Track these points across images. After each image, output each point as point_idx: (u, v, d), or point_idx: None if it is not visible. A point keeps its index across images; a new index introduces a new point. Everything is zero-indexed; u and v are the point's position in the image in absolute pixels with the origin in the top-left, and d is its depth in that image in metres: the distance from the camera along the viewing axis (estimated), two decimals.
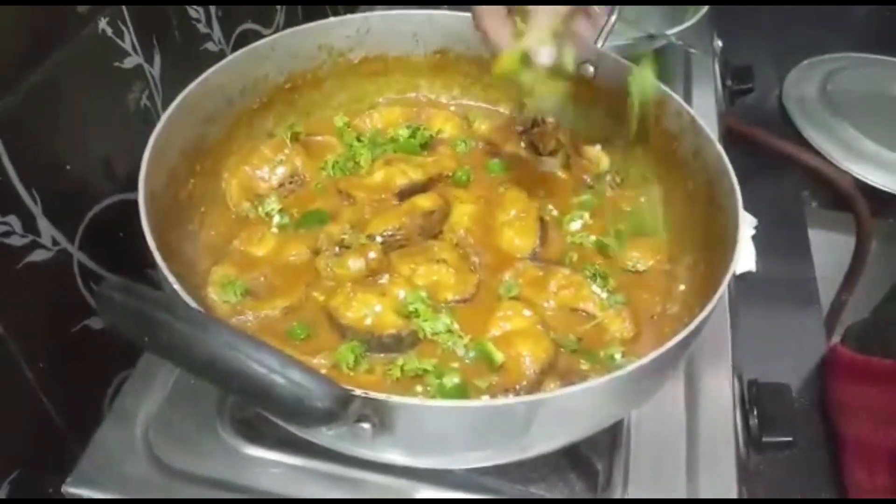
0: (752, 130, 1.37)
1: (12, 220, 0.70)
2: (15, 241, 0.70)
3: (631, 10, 1.20)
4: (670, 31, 1.19)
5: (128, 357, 0.83)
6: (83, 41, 0.77)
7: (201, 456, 0.73)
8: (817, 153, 1.43)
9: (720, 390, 0.80)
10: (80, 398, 0.82)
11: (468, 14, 0.90)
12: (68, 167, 0.77)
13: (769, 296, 1.13)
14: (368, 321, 0.70)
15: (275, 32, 0.98)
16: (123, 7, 0.82)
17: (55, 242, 0.76)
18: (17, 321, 0.71)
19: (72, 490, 0.71)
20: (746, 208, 0.70)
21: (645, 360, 0.58)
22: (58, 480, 0.71)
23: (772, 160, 1.37)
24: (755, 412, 0.82)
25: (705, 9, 1.24)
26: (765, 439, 0.81)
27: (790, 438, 0.81)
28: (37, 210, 0.72)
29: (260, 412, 0.67)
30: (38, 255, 0.73)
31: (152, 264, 0.62)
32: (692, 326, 0.61)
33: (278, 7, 1.19)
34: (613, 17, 0.91)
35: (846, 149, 1.44)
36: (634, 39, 1.19)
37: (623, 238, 0.82)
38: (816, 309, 1.18)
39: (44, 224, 0.73)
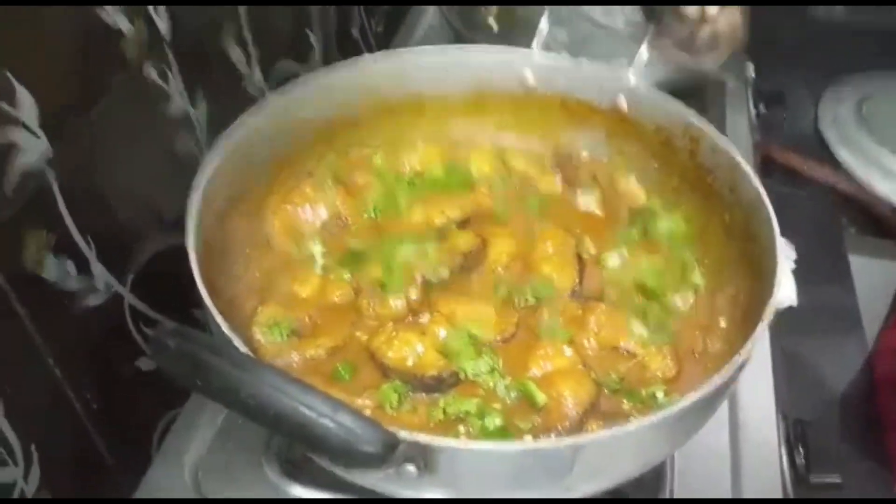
0: (788, 157, 1.36)
1: (69, 265, 0.72)
2: (71, 285, 0.73)
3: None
4: None
5: (177, 396, 0.85)
6: (130, 87, 0.79)
7: (249, 496, 0.74)
8: (854, 178, 1.41)
9: (764, 428, 0.79)
10: (131, 437, 0.84)
11: (503, 50, 0.92)
12: (119, 213, 0.79)
13: (811, 327, 1.11)
14: (410, 361, 0.71)
15: (311, 69, 0.98)
16: (169, 53, 0.84)
17: (108, 286, 0.78)
18: (71, 364, 0.73)
19: None
20: (783, 235, 0.70)
21: (689, 401, 0.58)
22: None
23: (808, 186, 1.36)
24: (801, 450, 0.81)
25: None
26: (813, 480, 0.79)
27: (838, 480, 0.80)
28: (91, 255, 0.75)
29: (306, 454, 0.68)
30: (92, 300, 0.76)
31: (199, 304, 0.63)
32: (736, 364, 0.60)
33: (314, 42, 1.21)
34: (644, 50, 0.92)
35: (884, 172, 1.42)
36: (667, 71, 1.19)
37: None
38: (861, 338, 1.16)
39: (98, 268, 0.76)
